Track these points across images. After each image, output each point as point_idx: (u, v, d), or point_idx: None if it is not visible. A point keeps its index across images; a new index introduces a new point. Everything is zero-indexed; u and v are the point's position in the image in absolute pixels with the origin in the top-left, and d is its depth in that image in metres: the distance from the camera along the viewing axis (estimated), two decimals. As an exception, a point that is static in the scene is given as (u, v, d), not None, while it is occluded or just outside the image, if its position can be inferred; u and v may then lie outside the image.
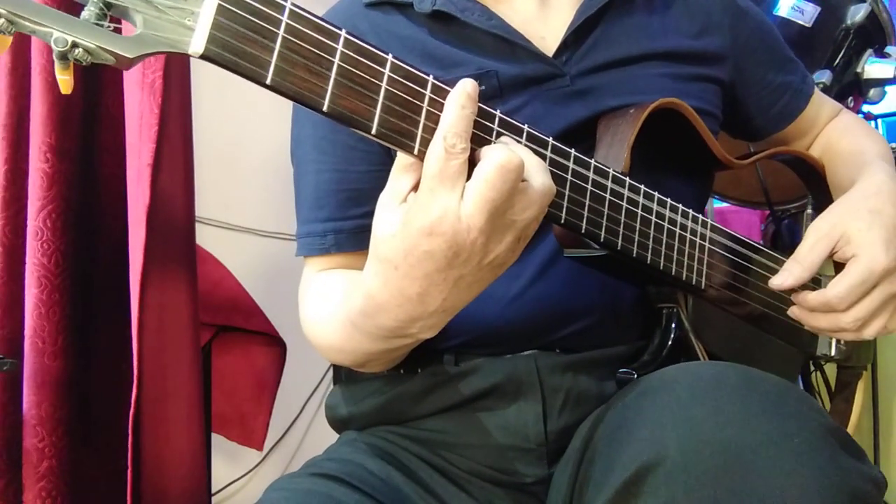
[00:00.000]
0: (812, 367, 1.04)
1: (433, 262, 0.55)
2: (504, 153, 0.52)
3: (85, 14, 0.44)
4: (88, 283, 1.34)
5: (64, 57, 0.44)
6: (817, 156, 0.99)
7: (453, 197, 0.53)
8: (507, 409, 0.77)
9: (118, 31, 0.45)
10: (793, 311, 0.82)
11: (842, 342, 0.94)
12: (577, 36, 0.81)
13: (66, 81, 0.45)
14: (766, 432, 0.52)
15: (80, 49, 0.44)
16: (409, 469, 0.78)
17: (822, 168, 0.98)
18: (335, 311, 0.72)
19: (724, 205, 1.49)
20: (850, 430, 1.00)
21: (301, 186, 0.85)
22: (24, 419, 1.23)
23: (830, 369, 1.03)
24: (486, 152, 0.54)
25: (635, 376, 0.74)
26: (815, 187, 0.99)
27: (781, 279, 0.79)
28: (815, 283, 0.81)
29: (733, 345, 0.84)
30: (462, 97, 0.54)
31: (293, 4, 0.49)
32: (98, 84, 1.35)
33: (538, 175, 0.56)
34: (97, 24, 0.44)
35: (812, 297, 0.79)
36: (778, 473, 0.51)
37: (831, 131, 1.02)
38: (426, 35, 0.80)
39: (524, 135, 0.61)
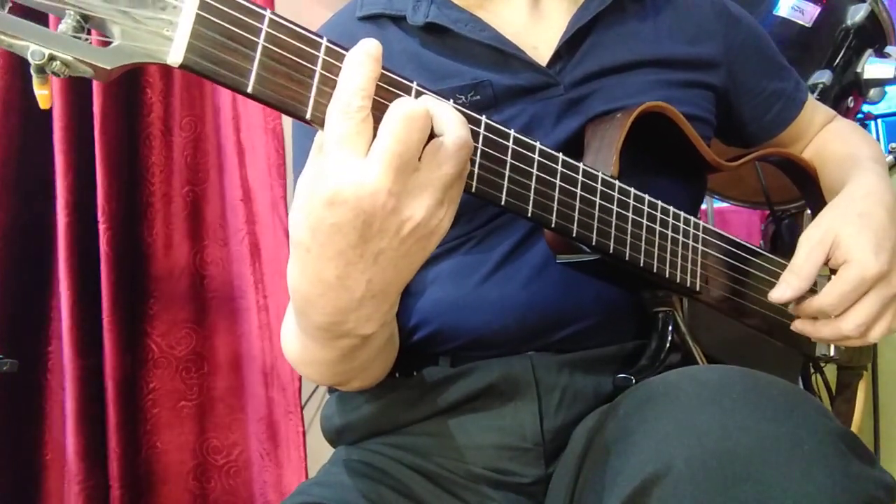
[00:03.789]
0: (812, 370, 1.03)
1: (343, 237, 0.50)
2: (408, 103, 0.49)
3: (62, 27, 0.43)
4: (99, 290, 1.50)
5: (41, 70, 0.43)
6: (808, 159, 0.99)
7: (355, 160, 0.49)
8: (503, 409, 0.76)
9: (103, 43, 0.45)
10: (795, 326, 0.81)
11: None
12: (571, 45, 0.81)
13: (44, 97, 0.45)
14: (774, 439, 0.51)
15: (58, 62, 0.43)
16: (403, 483, 0.77)
17: (813, 170, 0.98)
18: (293, 320, 0.70)
19: (724, 205, 1.49)
20: (852, 430, 0.99)
21: None
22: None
23: (830, 371, 1.02)
24: (390, 106, 0.50)
25: (633, 381, 0.73)
26: (806, 188, 0.99)
27: (780, 291, 0.78)
28: (811, 291, 0.80)
29: (731, 347, 0.83)
30: (360, 55, 0.50)
31: (273, 13, 0.49)
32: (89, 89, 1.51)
33: (453, 128, 0.52)
34: (74, 37, 0.43)
35: (807, 304, 0.78)
36: (788, 481, 0.49)
37: (824, 135, 1.02)
38: (420, 47, 0.80)
39: (511, 139, 0.60)
